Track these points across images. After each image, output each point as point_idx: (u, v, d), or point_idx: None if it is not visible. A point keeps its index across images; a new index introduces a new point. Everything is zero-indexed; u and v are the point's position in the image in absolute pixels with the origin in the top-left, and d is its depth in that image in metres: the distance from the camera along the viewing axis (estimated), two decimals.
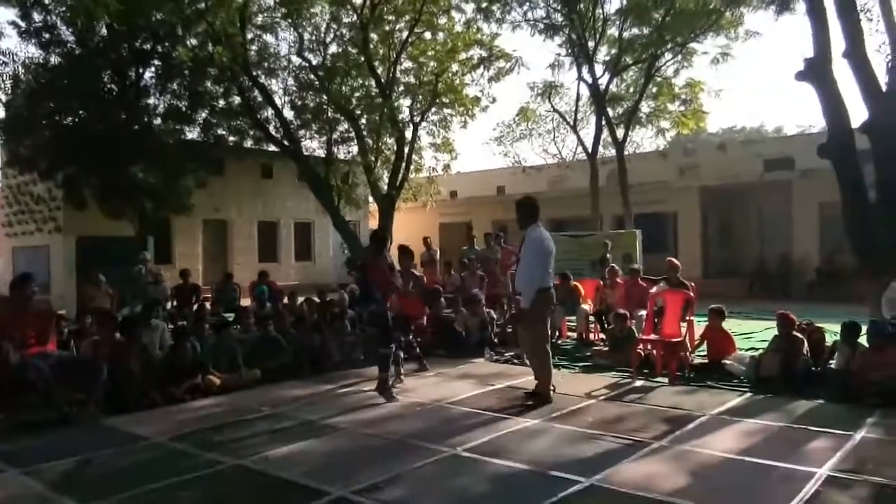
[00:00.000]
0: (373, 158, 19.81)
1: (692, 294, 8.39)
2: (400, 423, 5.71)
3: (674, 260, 9.53)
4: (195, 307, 10.64)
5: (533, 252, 6.32)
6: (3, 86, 14.60)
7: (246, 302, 12.41)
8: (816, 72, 8.67)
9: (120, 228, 17.52)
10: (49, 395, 5.95)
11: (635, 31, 19.88)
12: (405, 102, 20.77)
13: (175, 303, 12.06)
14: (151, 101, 17.37)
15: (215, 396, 6.85)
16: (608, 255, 12.80)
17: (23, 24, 15.44)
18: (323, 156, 20.55)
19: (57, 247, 18.84)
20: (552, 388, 6.31)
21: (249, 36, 18.82)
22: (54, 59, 16.01)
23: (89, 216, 17.33)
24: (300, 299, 10.96)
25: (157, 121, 17.41)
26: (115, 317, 7.91)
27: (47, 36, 15.70)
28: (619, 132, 20.67)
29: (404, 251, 8.26)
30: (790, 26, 76.06)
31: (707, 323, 8.02)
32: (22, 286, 6.33)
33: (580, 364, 8.32)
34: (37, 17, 15.52)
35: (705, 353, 8.04)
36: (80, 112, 16.20)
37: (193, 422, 5.87)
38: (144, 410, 6.28)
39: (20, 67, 15.22)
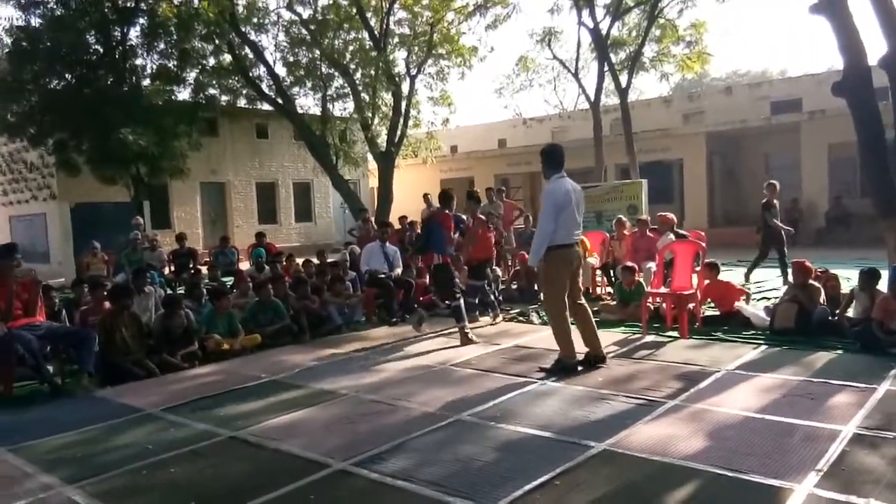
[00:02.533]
0: (370, 115, 19.28)
1: (703, 245, 8.10)
2: (403, 387, 5.50)
3: (666, 214, 9.23)
4: (191, 272, 10.40)
5: (545, 206, 5.68)
6: None
7: (245, 265, 12.20)
8: (832, 3, 8.18)
9: (115, 194, 17.23)
10: (38, 367, 5.76)
11: None
12: (400, 55, 20.15)
13: (172, 268, 11.84)
14: (139, 61, 16.90)
15: (212, 364, 6.66)
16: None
17: None
18: (318, 113, 20.05)
19: (53, 214, 18.54)
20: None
21: None
22: (35, 21, 15.47)
23: (84, 182, 17.03)
24: (298, 261, 10.71)
25: (146, 82, 16.92)
26: (106, 284, 7.66)
27: None
28: (622, 78, 20.07)
29: (472, 196, 8.62)
30: None
31: (706, 280, 7.72)
32: (6, 257, 6.08)
33: None
34: None
35: (714, 305, 7.82)
36: (66, 75, 15.72)
37: (189, 391, 5.68)
38: (139, 380, 6.10)
39: (0, 31, 14.69)
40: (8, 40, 15.03)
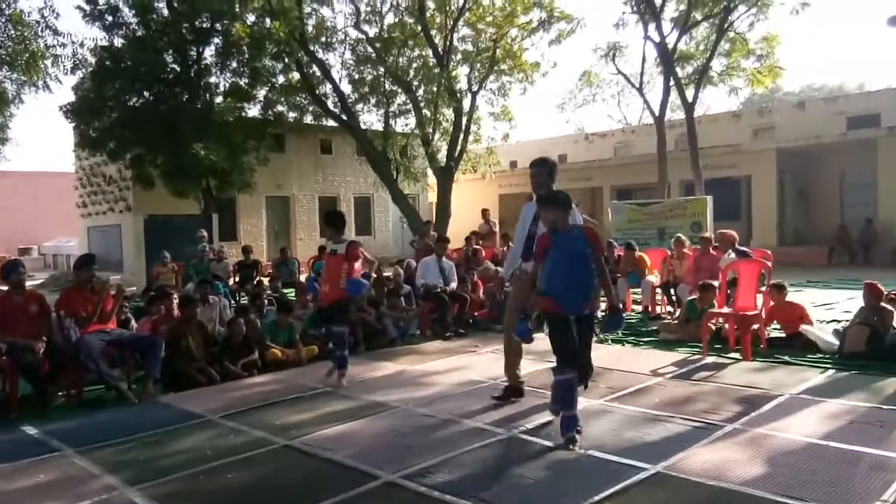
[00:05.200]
0: (430, 130, 19.51)
1: (768, 264, 7.82)
2: (455, 402, 5.50)
3: (727, 232, 8.92)
4: (255, 283, 10.70)
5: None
6: (63, 67, 14.94)
7: (304, 277, 12.46)
8: None
9: (186, 206, 17.93)
10: (99, 372, 5.94)
11: None
12: (463, 71, 20.38)
13: (237, 279, 12.22)
14: (212, 79, 17.51)
15: (271, 373, 6.83)
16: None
17: (87, 7, 15.76)
18: (381, 129, 20.42)
19: (127, 225, 19.48)
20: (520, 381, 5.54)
21: (306, 10, 18.71)
22: (118, 41, 16.31)
23: (157, 195, 17.77)
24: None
25: (219, 99, 17.57)
26: (173, 294, 7.96)
27: (110, 18, 15.97)
28: (689, 93, 19.62)
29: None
30: None
31: (772, 301, 7.43)
32: (83, 267, 6.43)
33: (645, 339, 7.92)
34: None
35: (779, 327, 7.53)
36: (145, 93, 16.47)
37: (247, 399, 5.83)
38: (200, 387, 6.30)
39: (86, 51, 15.52)
40: (92, 60, 15.87)
